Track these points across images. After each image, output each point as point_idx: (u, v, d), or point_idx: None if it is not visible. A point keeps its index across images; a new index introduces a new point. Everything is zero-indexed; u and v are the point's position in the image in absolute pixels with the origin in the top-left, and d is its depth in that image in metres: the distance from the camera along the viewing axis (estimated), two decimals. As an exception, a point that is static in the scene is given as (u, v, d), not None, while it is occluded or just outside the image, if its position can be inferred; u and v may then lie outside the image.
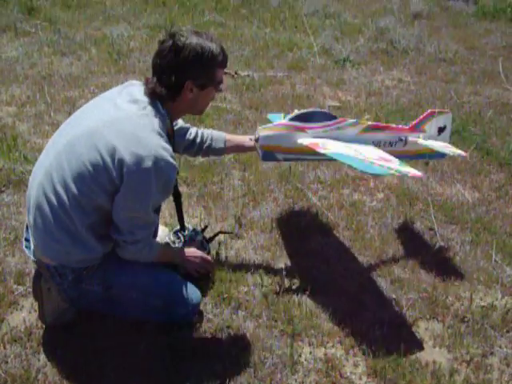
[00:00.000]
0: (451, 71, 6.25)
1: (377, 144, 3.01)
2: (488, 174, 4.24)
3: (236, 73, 5.67)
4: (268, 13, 7.82)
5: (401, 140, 3.12)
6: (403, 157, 3.17)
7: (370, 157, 2.64)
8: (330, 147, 2.69)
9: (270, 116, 3.48)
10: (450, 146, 3.30)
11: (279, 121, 2.92)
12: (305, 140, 2.77)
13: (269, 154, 2.82)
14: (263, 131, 2.75)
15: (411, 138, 3.16)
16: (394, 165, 2.59)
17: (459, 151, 3.23)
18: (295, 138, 2.78)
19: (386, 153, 2.82)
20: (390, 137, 3.08)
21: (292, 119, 2.81)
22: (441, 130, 3.28)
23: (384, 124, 3.16)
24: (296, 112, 2.89)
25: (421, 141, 3.18)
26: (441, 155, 3.35)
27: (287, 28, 7.30)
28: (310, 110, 2.91)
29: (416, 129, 3.20)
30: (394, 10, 8.32)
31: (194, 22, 7.22)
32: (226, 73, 5.58)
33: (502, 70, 6.27)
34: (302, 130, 2.80)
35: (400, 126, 3.27)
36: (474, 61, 6.66)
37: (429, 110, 3.26)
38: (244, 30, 7.09)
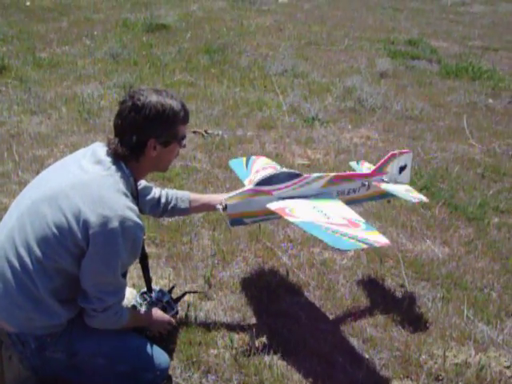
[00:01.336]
0: (418, 128, 6.38)
1: (341, 193, 3.07)
2: (457, 229, 4.27)
3: (206, 132, 5.70)
4: (238, 72, 7.93)
5: (364, 185, 3.19)
6: (367, 200, 3.32)
7: (337, 221, 2.65)
8: (297, 213, 2.70)
9: (230, 163, 3.50)
10: (411, 189, 3.37)
11: (242, 174, 3.11)
12: (272, 205, 2.78)
13: (237, 220, 2.85)
14: (230, 200, 2.76)
15: (374, 181, 3.22)
16: (361, 230, 2.60)
17: (421, 196, 3.30)
18: (262, 203, 2.80)
19: (352, 200, 3.02)
20: (353, 185, 3.14)
21: (258, 184, 2.82)
22: (402, 169, 3.37)
23: (346, 173, 3.20)
24: (260, 175, 2.94)
25: (384, 186, 3.24)
26: None
27: (257, 87, 7.40)
28: (275, 171, 2.94)
29: (378, 172, 3.27)
30: (360, 69, 8.52)
31: (165, 81, 7.28)
32: (195, 132, 5.65)
33: (466, 126, 6.42)
34: (268, 193, 2.82)
35: (365, 165, 3.34)
36: (440, 118, 6.81)
37: (390, 153, 3.32)
38: (214, 89, 7.17)
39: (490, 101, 7.58)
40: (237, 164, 3.42)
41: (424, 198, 3.29)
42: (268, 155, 5.18)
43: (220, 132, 5.74)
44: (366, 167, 3.46)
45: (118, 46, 8.58)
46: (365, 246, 2.54)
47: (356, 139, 5.97)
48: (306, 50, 9.58)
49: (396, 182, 3.34)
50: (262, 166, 3.27)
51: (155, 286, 2.88)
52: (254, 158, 3.45)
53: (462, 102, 7.44)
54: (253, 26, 11.07)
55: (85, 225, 2.13)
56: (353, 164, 3.55)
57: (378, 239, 2.57)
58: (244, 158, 3.43)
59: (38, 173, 4.60)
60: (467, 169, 5.39)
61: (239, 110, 6.50)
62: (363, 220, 2.72)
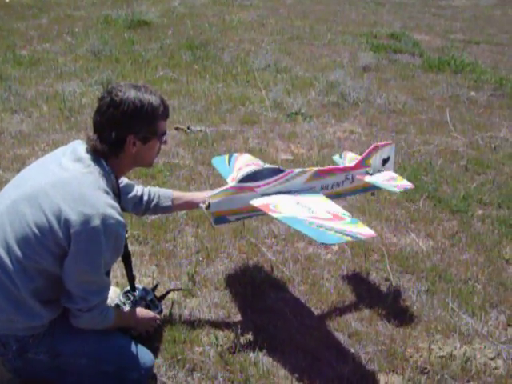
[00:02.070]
0: (401, 122, 6.39)
1: (325, 187, 3.06)
2: (441, 221, 4.28)
3: (188, 128, 5.66)
4: (220, 68, 7.90)
5: (347, 178, 3.18)
6: (352, 193, 3.32)
7: (321, 215, 2.64)
8: (280, 209, 2.68)
9: (213, 161, 3.48)
10: (395, 177, 3.34)
11: (225, 171, 3.11)
12: (255, 201, 2.76)
13: (221, 219, 2.82)
14: (213, 198, 2.73)
15: (358, 175, 3.21)
16: (346, 223, 2.59)
17: (406, 183, 3.30)
18: (245, 199, 2.78)
19: (336, 194, 3.03)
20: (337, 178, 3.13)
21: (240, 181, 2.80)
22: (385, 161, 3.36)
23: (329, 167, 3.18)
24: (242, 171, 2.91)
25: (368, 178, 3.23)
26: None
27: (239, 83, 7.37)
28: (258, 168, 2.91)
29: (361, 165, 3.26)
30: (343, 63, 8.52)
31: (147, 77, 7.23)
32: (177, 128, 5.61)
33: (449, 119, 6.45)
34: (251, 189, 2.80)
35: (348, 156, 3.33)
36: (423, 111, 6.83)
37: (373, 145, 3.31)
38: (196, 85, 7.13)
39: (473, 93, 7.62)
40: (219, 162, 3.39)
41: (409, 185, 3.30)
42: (251, 150, 5.18)
43: (203, 128, 5.71)
44: (349, 158, 3.44)
45: (100, 43, 8.51)
46: (350, 239, 2.54)
47: (339, 133, 5.97)
48: (288, 45, 9.57)
49: None
50: (245, 163, 3.24)
51: (139, 285, 2.85)
52: (236, 155, 3.41)
53: (444, 95, 7.46)
54: (235, 21, 11.05)
55: (66, 224, 2.10)
56: (336, 158, 3.53)
57: (364, 231, 2.56)
58: (226, 156, 3.40)
59: (19, 172, 4.57)
60: (451, 161, 5.40)
61: (222, 106, 6.47)
62: (348, 213, 2.71)
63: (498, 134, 6.19)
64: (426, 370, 2.79)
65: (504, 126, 6.49)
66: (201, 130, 5.65)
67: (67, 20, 10.37)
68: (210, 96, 6.74)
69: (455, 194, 4.70)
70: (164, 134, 2.43)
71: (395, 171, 3.44)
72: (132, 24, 9.88)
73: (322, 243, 2.52)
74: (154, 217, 3.87)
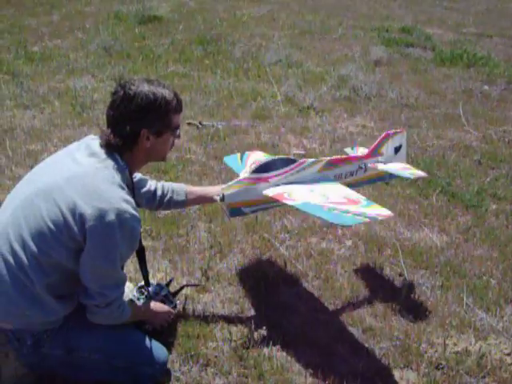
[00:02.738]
0: (413, 116, 6.34)
1: (338, 177, 3.05)
2: (455, 216, 4.25)
3: (200, 123, 5.65)
4: (231, 63, 7.88)
5: (361, 168, 3.17)
6: (367, 183, 3.29)
7: (336, 200, 2.64)
8: (295, 196, 2.68)
9: (225, 159, 3.47)
10: (408, 167, 3.36)
11: (238, 169, 3.08)
12: (269, 191, 2.75)
13: (236, 211, 2.81)
14: (227, 190, 2.73)
15: (370, 163, 3.20)
16: (362, 207, 2.59)
17: (419, 172, 3.32)
18: (259, 190, 2.78)
19: (350, 184, 2.99)
20: (349, 167, 3.12)
21: (253, 172, 2.79)
22: (397, 149, 3.35)
23: (342, 156, 3.17)
24: (255, 163, 2.90)
25: (381, 166, 3.23)
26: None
27: (251, 78, 7.35)
28: (270, 159, 2.91)
29: (374, 154, 3.25)
30: (355, 57, 8.47)
31: (158, 73, 7.22)
32: (189, 123, 5.61)
33: (462, 113, 6.39)
34: (265, 180, 2.79)
35: (358, 154, 3.32)
36: (435, 105, 6.77)
37: (384, 133, 3.30)
38: (208, 80, 7.11)
39: (486, 87, 7.54)
40: (232, 160, 3.39)
41: (423, 174, 3.33)
42: (263, 145, 5.18)
43: (215, 123, 5.70)
44: (361, 152, 3.43)
45: (111, 39, 8.50)
46: (367, 220, 2.55)
47: (352, 128, 5.94)
48: (299, 40, 9.51)
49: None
50: (259, 159, 3.24)
51: (153, 280, 2.86)
52: (248, 153, 3.41)
53: (457, 89, 7.40)
54: (246, 16, 11.00)
55: (81, 218, 2.10)
56: (348, 150, 3.52)
57: (381, 212, 2.58)
58: (238, 154, 3.40)
59: (31, 167, 4.55)
60: (464, 156, 5.36)
61: (234, 101, 6.45)
62: (363, 197, 2.71)
63: (512, 128, 6.13)
64: (440, 366, 2.77)
65: (517, 120, 6.43)
66: (213, 125, 5.63)
67: (78, 16, 10.37)
68: (222, 91, 6.73)
69: (469, 188, 4.66)
70: (177, 127, 2.43)
71: (408, 163, 3.42)
72: (143, 19, 9.86)
73: (340, 225, 2.52)
74: (166, 212, 3.87)
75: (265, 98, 6.56)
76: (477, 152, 5.42)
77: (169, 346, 2.68)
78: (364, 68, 7.88)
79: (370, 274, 3.50)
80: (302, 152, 5.16)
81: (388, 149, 3.30)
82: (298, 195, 2.70)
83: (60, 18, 10.16)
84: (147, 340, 2.48)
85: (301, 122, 5.99)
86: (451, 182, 4.77)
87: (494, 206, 4.44)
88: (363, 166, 3.18)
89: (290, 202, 2.66)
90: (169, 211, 3.84)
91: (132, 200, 2.23)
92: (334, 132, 5.75)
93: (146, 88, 2.27)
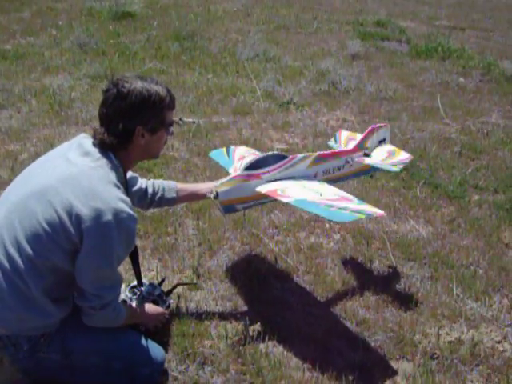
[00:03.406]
0: (393, 109, 6.39)
1: (326, 172, 3.08)
2: (439, 208, 4.29)
3: (181, 120, 5.61)
4: (209, 59, 7.84)
5: (347, 162, 3.20)
6: (353, 176, 3.34)
7: (330, 196, 2.66)
8: (289, 193, 2.68)
9: (211, 154, 3.47)
10: (392, 150, 3.43)
11: (226, 164, 3.13)
12: (262, 188, 2.75)
13: (230, 208, 2.80)
14: (221, 187, 2.72)
15: (356, 158, 3.24)
16: (356, 205, 2.62)
17: (404, 155, 3.40)
18: (252, 187, 2.77)
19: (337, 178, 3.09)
20: (337, 162, 3.15)
21: (246, 168, 2.79)
22: (381, 142, 3.41)
23: (330, 151, 3.19)
24: (246, 159, 2.91)
25: (367, 161, 3.27)
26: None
27: (229, 73, 7.32)
28: (261, 155, 2.91)
29: (360, 148, 3.28)
30: (332, 51, 8.50)
31: (135, 70, 7.13)
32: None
33: (440, 105, 6.45)
34: (257, 177, 2.79)
35: (341, 143, 3.37)
36: (414, 98, 6.83)
37: (370, 127, 3.34)
38: (186, 76, 7.07)
39: (462, 79, 7.64)
40: (217, 154, 3.37)
41: (408, 157, 3.40)
42: (246, 141, 5.16)
43: (196, 119, 5.66)
44: (344, 137, 3.46)
45: (85, 36, 8.37)
46: (363, 217, 2.56)
47: (332, 122, 5.95)
48: (275, 34, 9.52)
49: None
50: (245, 153, 3.24)
51: (145, 280, 2.83)
52: (233, 147, 3.41)
53: (434, 82, 7.48)
54: (220, 11, 10.96)
55: (77, 219, 2.07)
56: (331, 143, 3.53)
57: (374, 210, 2.60)
58: (224, 149, 3.39)
59: (11, 168, 4.54)
60: (444, 148, 5.42)
61: (213, 97, 6.42)
62: (353, 196, 2.74)
63: (489, 120, 6.22)
64: (435, 356, 2.81)
65: (494, 111, 6.53)
66: (194, 122, 5.60)
67: (50, 13, 10.19)
68: (201, 87, 6.69)
69: (451, 179, 4.72)
70: (171, 124, 2.41)
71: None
72: (116, 16, 9.74)
73: (337, 222, 2.50)
74: (153, 210, 3.83)
75: (244, 94, 6.54)
76: (457, 144, 5.49)
77: (165, 346, 2.65)
78: (342, 62, 7.91)
79: (359, 267, 3.51)
80: (286, 147, 5.16)
81: (373, 142, 3.35)
82: (291, 192, 2.70)
83: (31, 15, 9.98)
84: (143, 340, 2.45)
85: (281, 116, 5.99)
86: (434, 173, 4.82)
87: (477, 197, 4.50)
88: (350, 161, 3.21)
89: (284, 199, 2.66)
90: (155, 210, 3.80)
91: (128, 199, 2.20)
92: (315, 126, 5.76)
93: (139, 85, 2.24)
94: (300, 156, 2.97)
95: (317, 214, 2.57)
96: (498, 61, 8.53)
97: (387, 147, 3.40)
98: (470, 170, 4.93)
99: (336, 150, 3.27)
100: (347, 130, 5.60)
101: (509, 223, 4.10)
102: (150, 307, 2.64)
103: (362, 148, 3.29)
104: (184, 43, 8.41)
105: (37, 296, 2.14)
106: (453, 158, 5.20)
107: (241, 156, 3.19)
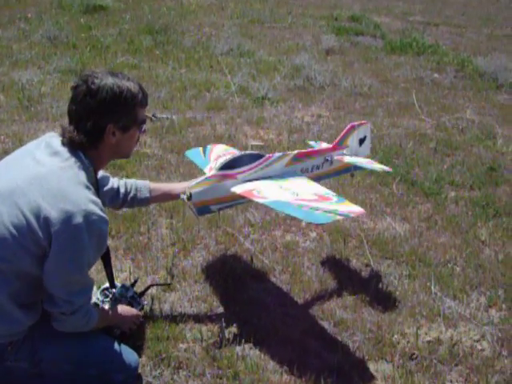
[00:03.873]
0: (368, 105, 6.36)
1: (305, 170, 3.03)
2: (415, 204, 4.27)
3: (154, 115, 5.51)
4: (182, 53, 7.73)
5: (327, 160, 3.15)
6: (333, 175, 3.28)
7: (307, 197, 2.60)
8: (265, 194, 2.62)
9: (187, 153, 3.39)
10: (372, 161, 3.40)
11: (202, 163, 3.06)
12: (237, 188, 2.68)
13: (203, 209, 2.73)
14: (194, 188, 2.64)
15: (336, 156, 3.19)
16: (333, 203, 2.55)
17: (383, 166, 3.33)
18: (227, 187, 2.71)
19: (318, 176, 3.03)
20: (316, 161, 3.10)
21: (221, 168, 2.72)
22: (361, 141, 3.36)
23: (308, 150, 3.13)
24: (221, 159, 2.83)
25: (347, 158, 3.22)
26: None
27: (203, 68, 7.22)
28: (236, 155, 2.84)
29: (339, 146, 3.24)
30: (306, 46, 8.45)
31: (107, 64, 7.01)
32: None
33: (416, 101, 6.45)
34: (232, 177, 2.72)
35: (323, 146, 3.30)
36: (389, 93, 6.82)
37: (349, 124, 3.29)
38: (159, 71, 6.95)
39: (436, 75, 7.66)
40: (194, 154, 3.30)
41: (387, 168, 3.33)
42: (220, 137, 5.08)
43: (169, 115, 5.56)
44: (324, 147, 3.41)
45: (55, 29, 8.22)
46: (339, 218, 2.51)
47: (307, 118, 5.90)
48: (249, 29, 9.44)
49: (357, 155, 3.31)
50: (222, 153, 3.16)
51: (117, 281, 2.73)
52: (210, 146, 3.33)
53: (408, 77, 7.48)
54: (193, 5, 10.85)
55: (46, 222, 1.97)
56: (311, 142, 3.49)
57: (352, 209, 2.55)
58: (201, 148, 3.32)
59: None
60: (420, 144, 5.41)
61: (187, 92, 6.33)
62: (333, 193, 2.67)
63: (464, 116, 6.23)
64: (414, 356, 2.77)
65: (469, 108, 6.55)
66: (167, 118, 5.50)
67: (18, 5, 9.98)
68: (174, 82, 6.59)
69: (427, 176, 4.70)
70: (143, 122, 2.32)
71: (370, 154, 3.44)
72: (88, 9, 9.60)
73: (313, 223, 2.45)
74: (125, 209, 3.73)
75: (218, 89, 6.46)
76: (432, 140, 5.48)
77: (138, 350, 2.57)
78: (316, 57, 7.87)
79: (337, 266, 3.46)
80: (261, 143, 5.09)
81: (353, 140, 3.29)
82: (267, 193, 2.64)
83: (-2, 7, 9.76)
84: (116, 345, 2.37)
85: (256, 112, 5.92)
86: (410, 170, 4.80)
87: (453, 194, 4.49)
88: (329, 159, 3.15)
89: (260, 200, 2.60)
90: (128, 209, 3.70)
91: (99, 200, 2.11)
92: (290, 122, 5.70)
93: (110, 81, 2.14)
94: (277, 155, 2.91)
95: (291, 215, 2.52)
96: (472, 57, 8.57)
97: (367, 160, 3.35)
98: (445, 167, 4.92)
99: (315, 149, 3.22)
100: (323, 125, 5.60)
101: (485, 220, 4.09)
102: (123, 309, 2.56)
103: (342, 146, 3.24)
104: (157, 37, 8.30)
105: (3, 302, 2.04)
106: (428, 154, 5.18)
107: (217, 156, 3.12)
